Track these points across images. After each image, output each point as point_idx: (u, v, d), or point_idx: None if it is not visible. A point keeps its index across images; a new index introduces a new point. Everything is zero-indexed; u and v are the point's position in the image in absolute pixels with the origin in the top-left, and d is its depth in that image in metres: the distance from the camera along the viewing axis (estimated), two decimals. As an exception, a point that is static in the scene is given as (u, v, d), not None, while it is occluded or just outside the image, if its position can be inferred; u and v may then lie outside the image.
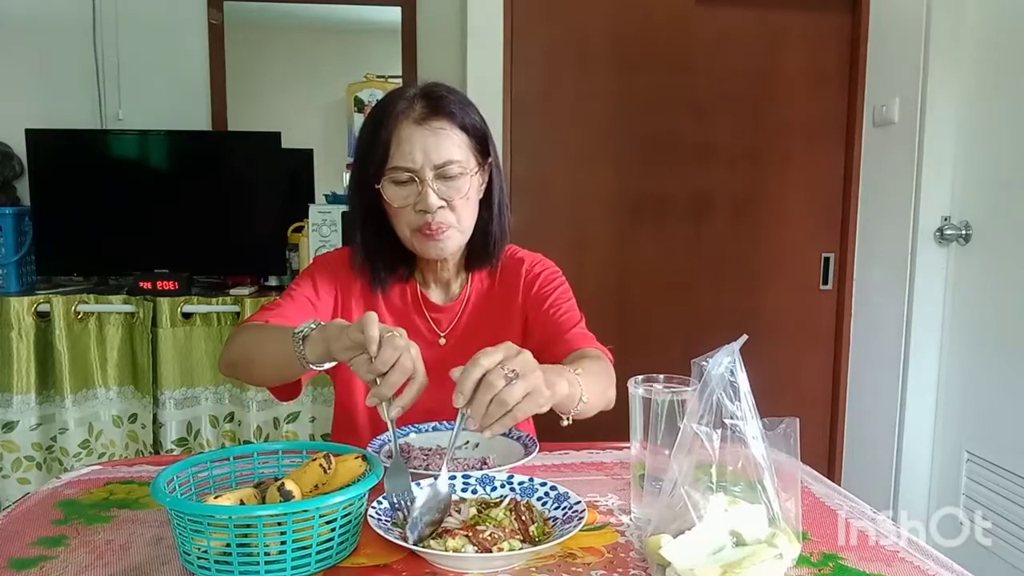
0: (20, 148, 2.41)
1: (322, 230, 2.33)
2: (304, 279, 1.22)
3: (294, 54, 2.76)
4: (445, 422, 1.16)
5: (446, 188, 1.09)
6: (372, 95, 2.66)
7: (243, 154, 2.48)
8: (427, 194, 1.08)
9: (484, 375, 0.79)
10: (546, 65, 2.51)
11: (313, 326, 0.93)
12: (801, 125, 2.63)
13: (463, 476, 0.93)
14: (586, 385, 0.95)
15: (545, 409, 0.87)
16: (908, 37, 2.34)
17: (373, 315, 0.83)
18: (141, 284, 2.29)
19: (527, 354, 0.84)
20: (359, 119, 2.61)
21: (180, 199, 2.42)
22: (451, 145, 1.09)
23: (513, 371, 0.80)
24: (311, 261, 1.32)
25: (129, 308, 2.27)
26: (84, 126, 2.52)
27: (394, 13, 2.65)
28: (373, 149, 1.09)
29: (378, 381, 0.83)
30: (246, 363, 1.08)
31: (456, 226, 1.12)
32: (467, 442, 1.13)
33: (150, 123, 2.49)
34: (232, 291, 2.37)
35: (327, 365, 0.94)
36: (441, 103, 1.09)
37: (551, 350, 1.15)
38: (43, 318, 2.25)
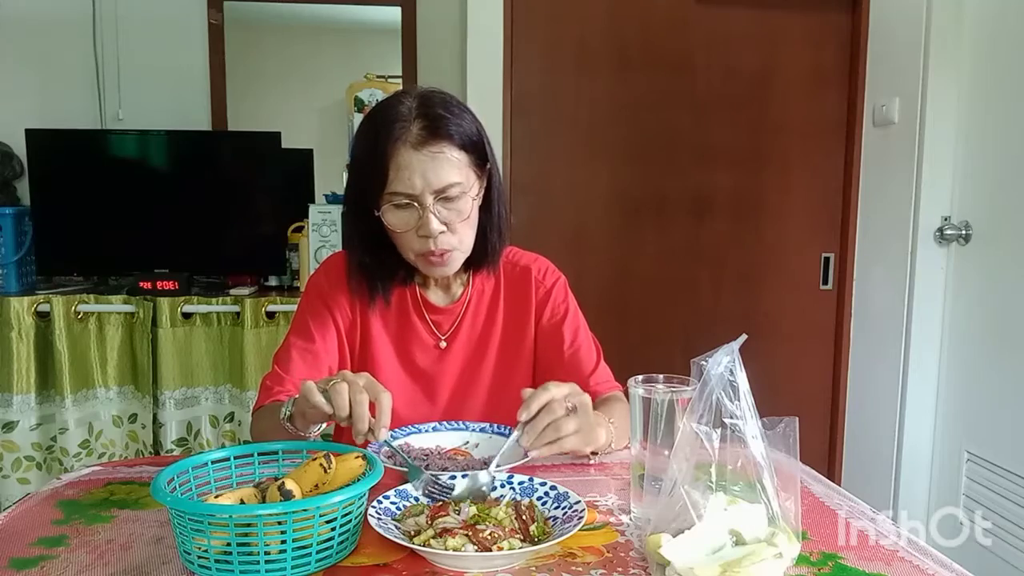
0: (20, 148, 2.41)
1: (322, 230, 2.33)
2: (300, 325, 1.21)
3: (294, 54, 2.76)
4: (444, 423, 1.16)
5: (447, 211, 1.07)
6: (372, 95, 2.66)
7: (243, 154, 2.48)
8: (428, 219, 1.06)
9: (550, 401, 0.92)
10: (546, 65, 2.51)
11: (291, 408, 0.98)
12: (801, 125, 2.63)
13: (463, 476, 0.93)
14: (617, 434, 1.08)
15: (588, 451, 1.03)
16: (908, 37, 2.34)
17: (309, 384, 0.91)
18: (141, 284, 2.29)
19: (587, 397, 0.97)
20: (359, 119, 2.60)
21: (180, 199, 2.42)
22: (451, 168, 1.06)
23: (573, 406, 0.93)
24: (303, 292, 1.28)
25: (129, 308, 2.27)
26: (84, 126, 2.52)
27: (394, 13, 2.65)
28: (370, 173, 1.07)
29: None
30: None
31: (458, 247, 1.11)
32: (467, 442, 1.13)
33: (150, 123, 2.49)
34: (232, 291, 2.37)
35: (324, 425, 1.00)
36: (439, 124, 1.05)
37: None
38: (43, 318, 2.25)
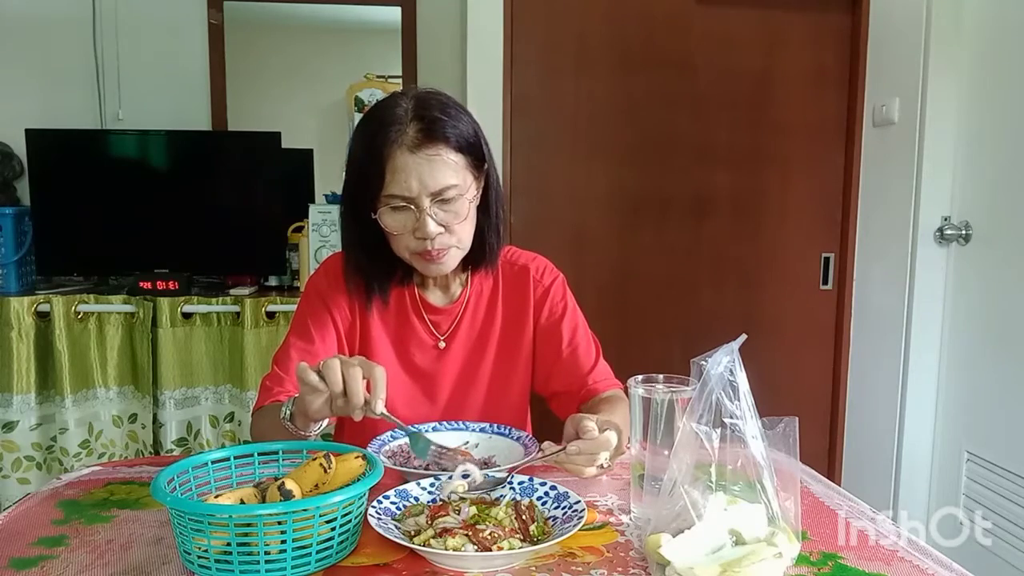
0: (20, 148, 2.41)
1: (322, 230, 2.33)
2: (299, 326, 1.21)
3: (294, 54, 2.76)
4: (445, 422, 1.17)
5: (444, 213, 1.07)
6: (372, 95, 2.66)
7: (243, 154, 2.48)
8: (425, 221, 1.05)
9: (599, 453, 0.94)
10: (546, 65, 2.51)
11: (292, 407, 0.98)
12: (801, 125, 2.62)
13: (463, 476, 0.93)
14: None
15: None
16: (908, 37, 2.34)
17: (303, 365, 0.91)
18: (141, 284, 2.29)
19: (619, 447, 0.99)
20: (359, 119, 2.61)
21: (180, 199, 2.42)
22: (447, 170, 1.05)
23: (608, 465, 0.97)
24: (302, 292, 1.28)
25: (129, 308, 2.27)
26: (84, 126, 2.51)
27: (394, 13, 2.65)
28: (366, 176, 1.06)
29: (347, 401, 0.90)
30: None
31: (456, 245, 1.11)
32: (467, 442, 1.13)
33: (150, 123, 2.49)
34: (232, 291, 2.37)
35: (324, 424, 1.00)
36: (435, 127, 1.04)
37: (573, 392, 1.23)
38: (43, 318, 2.25)
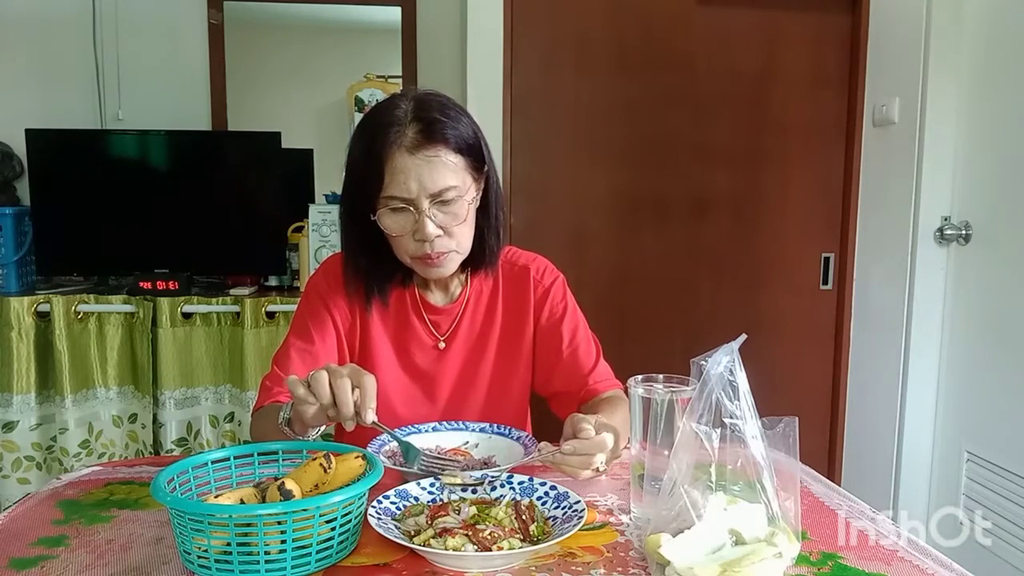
0: (20, 148, 2.41)
1: (322, 230, 2.33)
2: (299, 326, 1.21)
3: (294, 54, 2.76)
4: (444, 423, 1.17)
5: (443, 214, 1.07)
6: (372, 95, 2.66)
7: (243, 154, 2.48)
8: (424, 223, 1.05)
9: (593, 456, 0.94)
10: (546, 65, 2.51)
11: (289, 413, 0.99)
12: (801, 125, 2.62)
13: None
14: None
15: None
16: (908, 37, 2.34)
17: (292, 378, 0.91)
18: (141, 284, 2.29)
19: (615, 450, 1.00)
20: (359, 119, 2.61)
21: (180, 199, 2.42)
22: (446, 171, 1.05)
23: (604, 468, 0.98)
24: (302, 293, 1.28)
25: (129, 308, 2.27)
26: (84, 126, 2.51)
27: (394, 13, 2.65)
28: (366, 177, 1.06)
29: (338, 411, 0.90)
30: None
31: (455, 249, 1.11)
32: (467, 442, 1.13)
33: (150, 123, 2.49)
34: (232, 291, 2.37)
35: (322, 428, 1.00)
36: (434, 128, 1.04)
37: (574, 392, 1.23)
38: (43, 318, 2.25)
